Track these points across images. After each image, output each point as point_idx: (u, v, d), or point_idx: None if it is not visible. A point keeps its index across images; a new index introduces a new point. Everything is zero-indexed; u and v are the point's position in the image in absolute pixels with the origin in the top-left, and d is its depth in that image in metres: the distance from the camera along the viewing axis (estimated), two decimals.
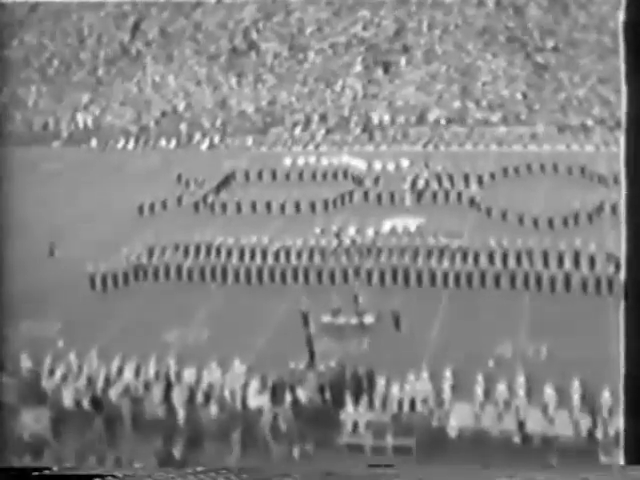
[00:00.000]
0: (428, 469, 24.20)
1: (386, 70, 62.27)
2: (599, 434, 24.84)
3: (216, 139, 59.09)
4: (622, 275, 13.76)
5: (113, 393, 27.76)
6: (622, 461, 16.07)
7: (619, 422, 23.08)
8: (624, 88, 16.88)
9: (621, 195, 18.38)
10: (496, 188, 46.51)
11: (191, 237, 39.57)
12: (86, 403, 27.81)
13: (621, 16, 16.28)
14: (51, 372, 29.19)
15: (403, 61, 62.56)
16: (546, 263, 35.82)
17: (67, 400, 27.87)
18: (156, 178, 50.88)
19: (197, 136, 59.74)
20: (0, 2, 56.81)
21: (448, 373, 27.43)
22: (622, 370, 13.55)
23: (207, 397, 27.43)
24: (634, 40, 16.00)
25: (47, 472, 22.09)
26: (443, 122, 56.90)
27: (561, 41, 60.94)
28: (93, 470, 23.73)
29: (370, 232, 39.80)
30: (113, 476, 21.93)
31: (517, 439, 25.46)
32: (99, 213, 46.19)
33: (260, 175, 50.70)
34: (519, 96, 58.49)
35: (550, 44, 60.92)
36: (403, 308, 33.08)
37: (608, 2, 60.17)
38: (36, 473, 21.66)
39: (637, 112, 16.72)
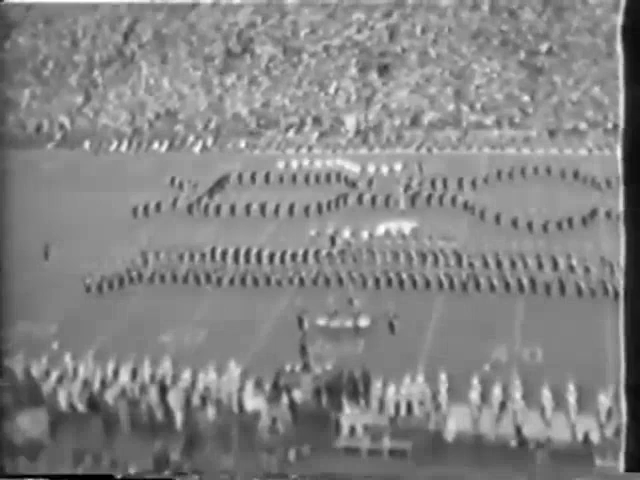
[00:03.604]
0: (424, 472, 24.22)
1: (380, 73, 62.24)
2: (595, 437, 24.88)
3: (210, 142, 58.93)
4: (621, 276, 13.79)
5: (109, 395, 27.71)
6: (621, 464, 16.07)
7: (617, 425, 23.18)
8: (622, 91, 16.86)
9: (618, 198, 18.39)
10: (490, 191, 46.43)
11: (185, 240, 39.49)
12: (82, 406, 27.76)
13: (619, 18, 16.24)
14: (47, 374, 29.14)
15: (397, 64, 62.53)
16: (540, 266, 35.87)
17: (63, 403, 27.83)
18: (150, 180, 50.67)
19: (191, 138, 59.59)
20: None
21: (444, 376, 27.43)
22: (622, 371, 13.57)
23: (203, 400, 27.41)
24: (632, 42, 15.96)
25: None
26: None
27: (555, 44, 61.00)
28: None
29: (364, 235, 39.83)
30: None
31: (514, 443, 25.47)
32: (93, 215, 46.01)
33: (254, 178, 50.49)
34: (513, 99, 58.50)
35: (544, 47, 60.98)
36: (398, 311, 33.06)
37: (602, 5, 60.30)
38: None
39: (635, 115, 16.71)
